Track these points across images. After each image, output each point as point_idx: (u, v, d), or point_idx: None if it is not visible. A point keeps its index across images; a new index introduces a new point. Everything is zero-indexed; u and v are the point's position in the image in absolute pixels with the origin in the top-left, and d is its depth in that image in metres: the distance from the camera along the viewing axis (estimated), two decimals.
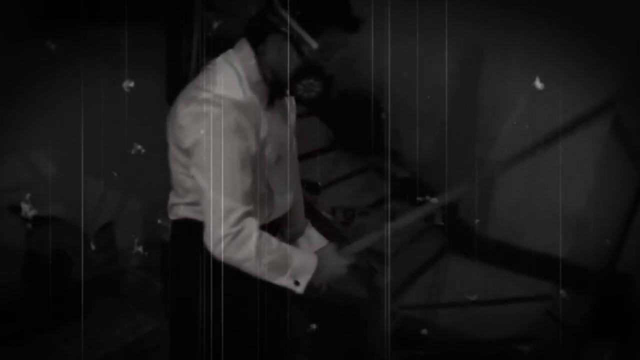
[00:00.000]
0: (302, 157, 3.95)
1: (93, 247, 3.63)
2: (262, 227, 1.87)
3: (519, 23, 3.38)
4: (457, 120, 3.59)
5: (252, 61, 1.81)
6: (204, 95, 1.75)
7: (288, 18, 1.71)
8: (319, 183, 3.76)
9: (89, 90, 2.90)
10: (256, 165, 1.82)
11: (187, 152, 1.78)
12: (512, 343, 3.46)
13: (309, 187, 3.68)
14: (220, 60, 1.85)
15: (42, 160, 3.53)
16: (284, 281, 1.84)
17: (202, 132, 1.72)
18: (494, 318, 3.55)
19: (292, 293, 1.93)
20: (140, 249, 3.74)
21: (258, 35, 1.80)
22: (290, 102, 2.03)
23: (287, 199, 2.03)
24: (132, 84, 2.77)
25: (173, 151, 1.85)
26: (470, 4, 3.37)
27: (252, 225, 1.76)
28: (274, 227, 2.03)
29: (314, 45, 1.72)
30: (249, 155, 1.77)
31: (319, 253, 1.93)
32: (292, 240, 2.21)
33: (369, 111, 3.99)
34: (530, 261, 3.55)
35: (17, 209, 3.36)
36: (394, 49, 3.79)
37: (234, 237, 1.74)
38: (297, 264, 1.84)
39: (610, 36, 3.17)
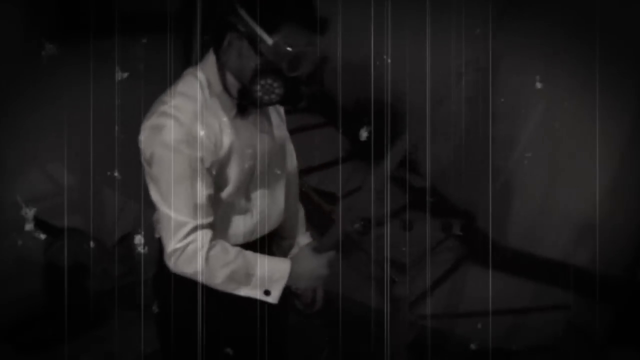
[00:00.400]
0: (319, 168, 3.99)
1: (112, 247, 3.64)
2: (258, 241, 1.86)
3: (536, 29, 3.37)
4: (474, 127, 3.58)
5: (214, 69, 1.74)
6: (162, 107, 1.69)
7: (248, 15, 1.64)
8: (336, 193, 3.76)
9: (102, 101, 2.92)
10: (219, 176, 1.75)
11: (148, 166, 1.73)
12: (532, 353, 3.43)
13: (326, 198, 3.68)
14: (187, 71, 1.80)
15: (60, 171, 3.56)
16: (249, 292, 1.75)
17: (155, 145, 1.67)
18: (514, 328, 3.52)
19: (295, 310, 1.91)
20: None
21: (218, 39, 1.71)
22: (278, 112, 1.97)
23: (274, 212, 1.94)
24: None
25: (144, 166, 1.79)
26: (486, 10, 3.36)
27: (202, 237, 1.69)
28: (268, 240, 1.96)
29: (269, 41, 1.63)
30: (203, 167, 1.69)
31: (294, 257, 1.84)
32: (288, 252, 2.12)
33: (386, 119, 3.99)
34: (550, 270, 3.53)
35: (37, 221, 3.39)
36: (410, 56, 3.80)
37: (182, 251, 1.69)
38: (264, 273, 1.75)
39: (628, 45, 3.15)
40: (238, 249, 1.75)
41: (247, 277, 1.73)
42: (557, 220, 3.52)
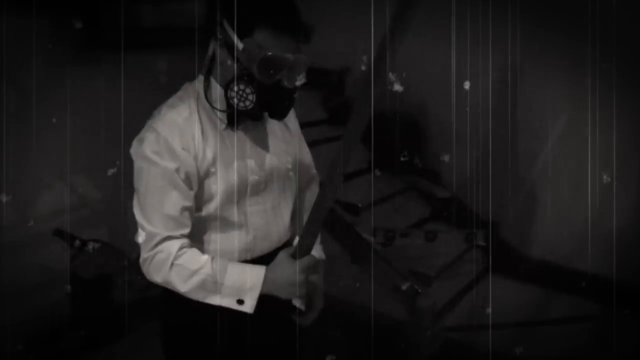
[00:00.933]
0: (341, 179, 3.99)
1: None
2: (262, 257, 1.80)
3: (558, 43, 3.36)
4: (497, 140, 3.57)
5: (203, 80, 1.71)
6: (150, 120, 1.70)
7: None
8: (359, 205, 3.76)
9: (129, 116, 2.95)
10: (202, 189, 1.71)
11: None
12: None
13: (349, 209, 3.68)
14: (185, 84, 1.78)
15: (86, 185, 3.59)
16: (220, 301, 1.69)
17: (135, 156, 1.68)
18: (540, 340, 3.49)
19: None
20: None
21: (205, 49, 1.69)
22: (287, 126, 1.91)
23: (277, 229, 1.88)
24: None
25: None
26: (510, 24, 3.36)
27: (170, 247, 1.67)
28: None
29: (240, 45, 1.59)
30: (178, 178, 1.66)
31: (271, 266, 1.73)
32: None
33: (408, 131, 3.99)
34: (573, 280, 3.50)
35: (61, 233, 3.42)
36: (435, 69, 3.81)
37: (151, 260, 1.68)
38: (235, 281, 1.69)
39: None
40: (208, 257, 1.70)
41: (215, 285, 1.69)
42: (581, 230, 3.49)
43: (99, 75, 3.43)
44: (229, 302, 1.70)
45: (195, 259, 1.69)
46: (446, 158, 3.85)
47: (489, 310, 3.29)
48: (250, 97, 1.63)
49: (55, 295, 3.44)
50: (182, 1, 3.83)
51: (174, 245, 1.68)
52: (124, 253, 3.50)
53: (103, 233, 3.50)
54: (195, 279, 1.69)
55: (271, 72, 1.62)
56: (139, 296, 3.53)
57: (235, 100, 1.63)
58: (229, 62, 1.64)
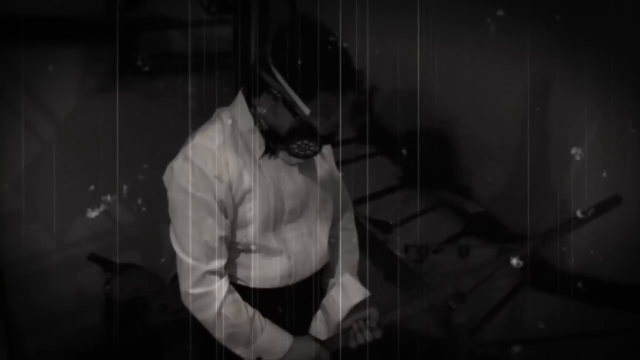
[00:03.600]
0: (372, 197, 3.98)
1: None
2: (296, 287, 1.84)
3: (588, 53, 3.33)
4: (527, 152, 3.54)
5: (245, 110, 1.73)
6: (184, 148, 1.70)
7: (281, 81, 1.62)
8: (390, 222, 3.75)
9: (157, 138, 2.98)
10: (232, 216, 1.73)
11: None
12: None
13: (380, 226, 3.67)
14: (217, 111, 1.79)
15: (120, 209, 3.63)
16: (243, 352, 1.78)
17: (170, 186, 1.70)
18: (576, 354, 3.44)
19: None
20: None
21: (253, 89, 1.70)
22: (321, 154, 1.91)
23: (315, 253, 1.90)
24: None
25: None
26: (538, 34, 3.34)
27: (216, 291, 1.71)
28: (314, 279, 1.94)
29: (307, 111, 1.61)
30: (215, 207, 1.67)
31: (297, 338, 1.84)
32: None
33: (437, 147, 3.97)
34: (614, 293, 3.44)
35: (96, 258, 3.46)
36: (462, 82, 3.80)
37: (196, 298, 1.71)
38: (265, 343, 1.77)
39: None
40: (250, 314, 1.76)
41: (247, 342, 1.76)
42: (617, 242, 3.44)
43: (131, 102, 3.48)
44: (249, 357, 1.78)
45: (240, 312, 1.75)
46: (477, 172, 3.84)
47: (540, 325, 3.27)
48: (312, 148, 1.66)
49: (90, 318, 3.48)
50: (211, 27, 3.89)
51: (220, 289, 1.72)
52: (157, 276, 3.52)
53: (136, 257, 3.53)
54: (232, 331, 1.74)
55: (332, 126, 1.67)
56: (172, 319, 3.55)
57: (296, 151, 1.67)
58: (286, 115, 1.65)
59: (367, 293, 1.96)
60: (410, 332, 2.99)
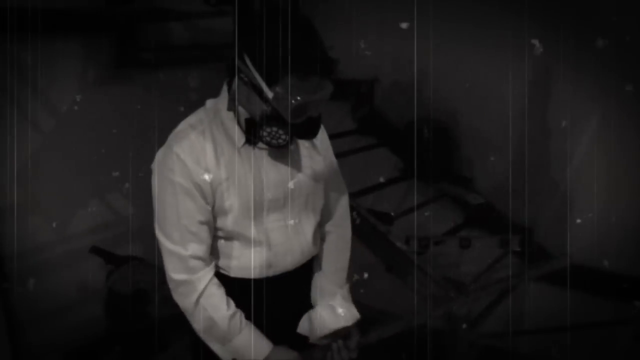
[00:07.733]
0: (373, 189, 3.98)
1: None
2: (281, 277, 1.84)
3: (589, 43, 3.32)
4: (530, 143, 3.53)
5: (226, 100, 1.73)
6: (169, 136, 1.75)
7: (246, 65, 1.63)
8: (392, 213, 3.75)
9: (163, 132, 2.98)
10: (212, 202, 1.73)
11: None
12: None
13: (381, 218, 3.67)
14: (206, 101, 1.82)
15: (121, 202, 3.63)
16: (219, 350, 1.77)
17: (154, 172, 1.74)
18: (577, 344, 3.44)
19: None
20: None
21: (230, 77, 1.72)
22: (311, 141, 1.88)
23: (299, 245, 1.87)
24: None
25: None
26: (538, 25, 3.33)
27: (196, 281, 1.72)
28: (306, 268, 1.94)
29: (269, 94, 1.61)
30: (194, 193, 1.69)
31: (276, 347, 1.81)
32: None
33: (440, 138, 3.97)
34: (614, 284, 3.44)
35: (98, 250, 3.47)
36: (463, 72, 3.79)
37: (177, 286, 1.74)
38: (242, 346, 1.76)
39: None
40: (231, 312, 1.75)
41: (223, 339, 1.76)
42: (618, 232, 3.44)
43: (132, 93, 3.48)
44: (225, 357, 1.78)
45: (219, 306, 1.75)
46: (478, 163, 3.84)
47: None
48: (283, 136, 1.66)
49: (92, 311, 3.49)
50: (211, 19, 3.89)
51: (201, 279, 1.73)
52: (159, 269, 3.53)
53: (138, 249, 3.53)
54: (208, 324, 1.74)
55: (302, 113, 1.65)
56: (174, 311, 3.55)
57: (267, 139, 1.67)
58: (256, 101, 1.66)
59: (357, 316, 1.96)
60: (410, 323, 3.01)
